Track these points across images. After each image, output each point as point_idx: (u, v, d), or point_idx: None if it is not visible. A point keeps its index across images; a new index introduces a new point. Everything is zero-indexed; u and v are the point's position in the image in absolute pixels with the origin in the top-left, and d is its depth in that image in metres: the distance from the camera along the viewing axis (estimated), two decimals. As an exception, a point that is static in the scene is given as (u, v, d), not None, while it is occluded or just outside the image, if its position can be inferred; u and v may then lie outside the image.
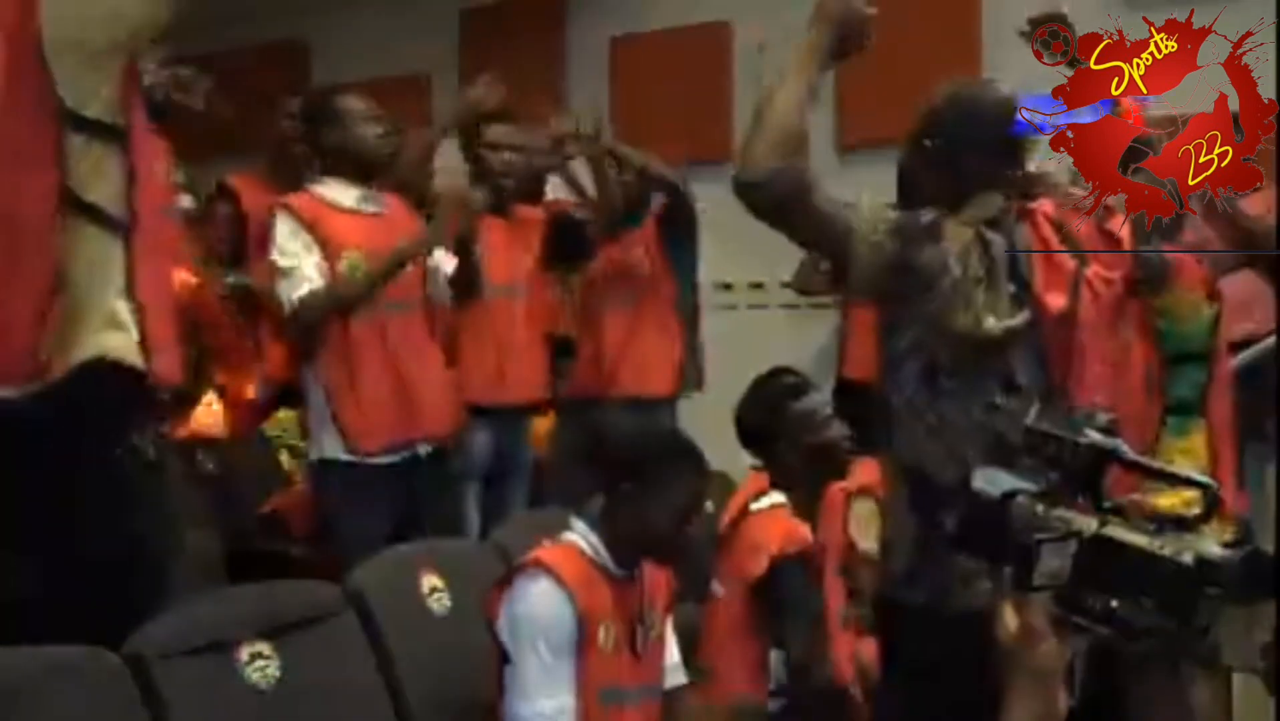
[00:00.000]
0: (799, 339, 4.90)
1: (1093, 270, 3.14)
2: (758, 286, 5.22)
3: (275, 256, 3.09)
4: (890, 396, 2.10)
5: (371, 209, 3.21)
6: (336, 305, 3.07)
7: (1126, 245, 3.14)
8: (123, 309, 1.98)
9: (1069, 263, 3.23)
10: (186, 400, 3.28)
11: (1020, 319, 2.11)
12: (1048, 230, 3.28)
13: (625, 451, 2.48)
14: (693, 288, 3.99)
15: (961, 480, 1.88)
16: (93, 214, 1.96)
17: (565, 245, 3.82)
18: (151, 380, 2.02)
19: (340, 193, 3.17)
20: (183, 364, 2.21)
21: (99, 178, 1.97)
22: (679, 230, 3.87)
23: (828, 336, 4.97)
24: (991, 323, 2.05)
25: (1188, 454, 2.99)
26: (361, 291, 3.08)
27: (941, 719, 1.97)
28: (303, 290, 3.05)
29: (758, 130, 1.98)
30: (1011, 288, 2.13)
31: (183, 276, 3.22)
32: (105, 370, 1.96)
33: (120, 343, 1.97)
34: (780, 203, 1.99)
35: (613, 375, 3.81)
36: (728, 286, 5.29)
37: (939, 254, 2.04)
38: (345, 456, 3.10)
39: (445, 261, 3.32)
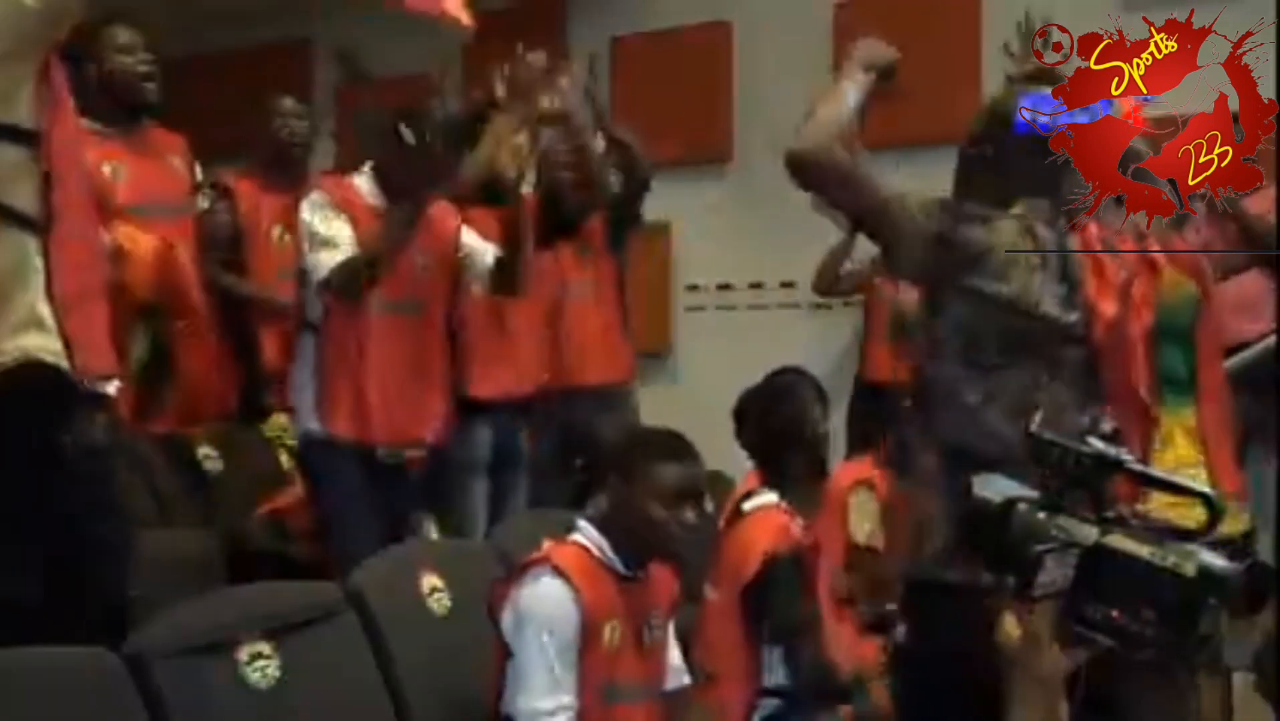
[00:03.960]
0: (798, 339, 4.91)
1: (1135, 290, 3.15)
2: (757, 286, 5.22)
3: (313, 225, 3.03)
4: (933, 374, 2.12)
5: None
6: (368, 269, 3.00)
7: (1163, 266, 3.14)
8: (45, 309, 2.02)
9: (1119, 274, 3.25)
10: (160, 392, 3.25)
11: (1072, 315, 2.13)
12: (1097, 243, 3.29)
13: (611, 448, 2.48)
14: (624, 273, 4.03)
15: (1001, 458, 1.89)
16: (8, 216, 2.00)
17: (558, 217, 3.80)
18: (77, 375, 2.06)
19: (370, 190, 3.13)
20: (115, 354, 2.26)
21: (13, 181, 2.01)
22: (624, 221, 3.89)
23: (826, 335, 4.98)
24: (1044, 308, 2.07)
25: (1188, 432, 2.99)
26: (384, 255, 3.01)
27: (974, 694, 1.96)
28: (338, 261, 3.00)
29: (812, 115, 2.08)
30: (1063, 289, 2.15)
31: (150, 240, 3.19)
32: (29, 369, 2.00)
33: (41, 342, 2.02)
34: (830, 171, 2.08)
35: (577, 365, 3.81)
36: (728, 286, 5.29)
37: (985, 234, 2.08)
38: (323, 434, 3.08)
39: (486, 250, 3.26)
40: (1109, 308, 3.02)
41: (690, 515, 2.35)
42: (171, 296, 3.21)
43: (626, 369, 3.98)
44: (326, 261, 3.01)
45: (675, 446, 2.42)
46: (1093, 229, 3.22)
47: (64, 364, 2.03)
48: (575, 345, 3.83)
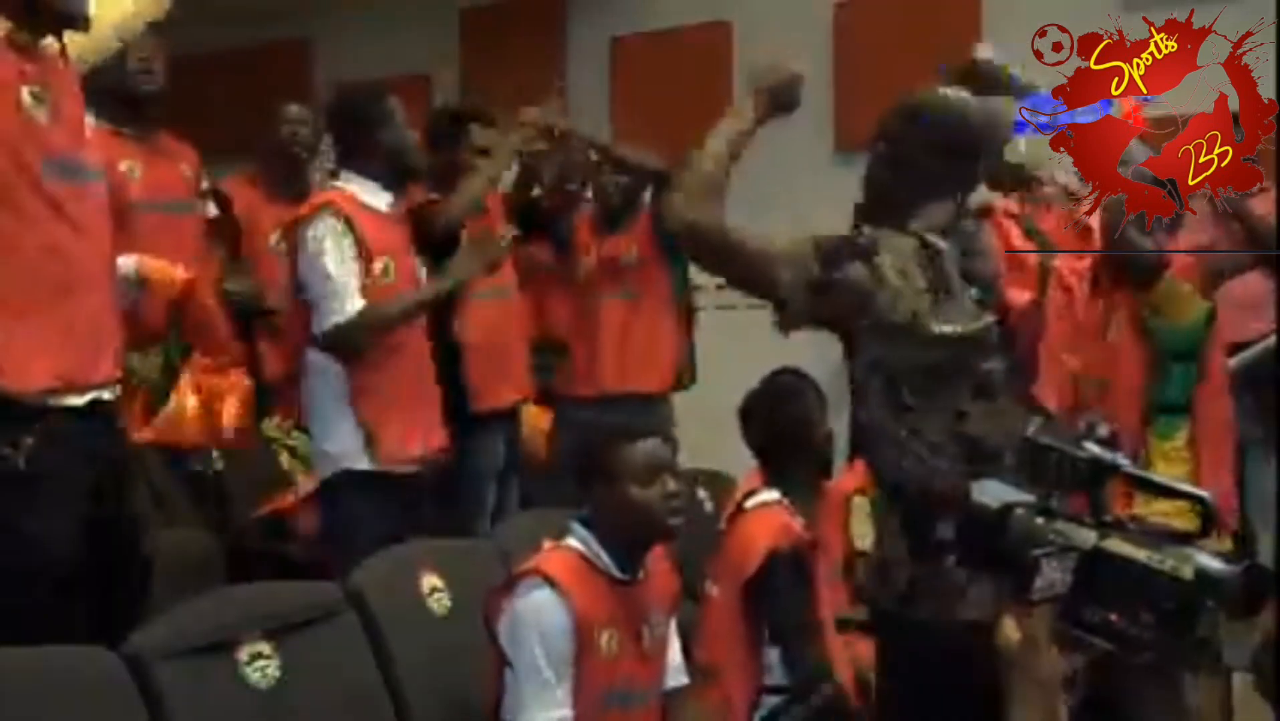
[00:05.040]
0: (798, 339, 4.89)
1: (1059, 262, 3.12)
2: (758, 286, 5.21)
3: (325, 266, 2.94)
4: (861, 417, 2.09)
5: (395, 213, 3.16)
6: (378, 332, 2.98)
7: (1098, 233, 3.12)
8: None
9: (1032, 258, 3.22)
10: (159, 401, 3.24)
11: (978, 324, 2.09)
12: (1010, 228, 3.27)
13: (584, 454, 2.48)
14: (685, 281, 3.99)
15: (943, 493, 1.89)
16: None
17: (527, 220, 3.80)
18: None
19: (373, 195, 3.09)
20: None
21: None
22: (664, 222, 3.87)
23: (827, 336, 4.96)
24: (944, 328, 2.03)
25: (1170, 457, 2.96)
26: (398, 323, 3.02)
27: (973, 696, 1.97)
28: (348, 312, 2.92)
29: (683, 180, 2.09)
30: (974, 292, 2.12)
31: (176, 273, 3.21)
32: None
33: None
34: (702, 244, 2.09)
35: (610, 371, 3.80)
36: (728, 286, 5.29)
37: (868, 270, 2.03)
38: (369, 467, 3.00)
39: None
40: (1020, 296, 3.00)
41: (670, 484, 2.35)
42: (195, 332, 3.21)
43: (661, 378, 3.87)
44: (331, 310, 2.93)
45: (635, 428, 2.44)
46: (1006, 208, 3.20)
47: None
48: (606, 352, 3.81)
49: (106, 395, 2.28)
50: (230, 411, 3.27)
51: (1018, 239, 3.21)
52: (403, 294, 3.04)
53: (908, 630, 2.08)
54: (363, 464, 2.98)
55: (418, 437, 3.06)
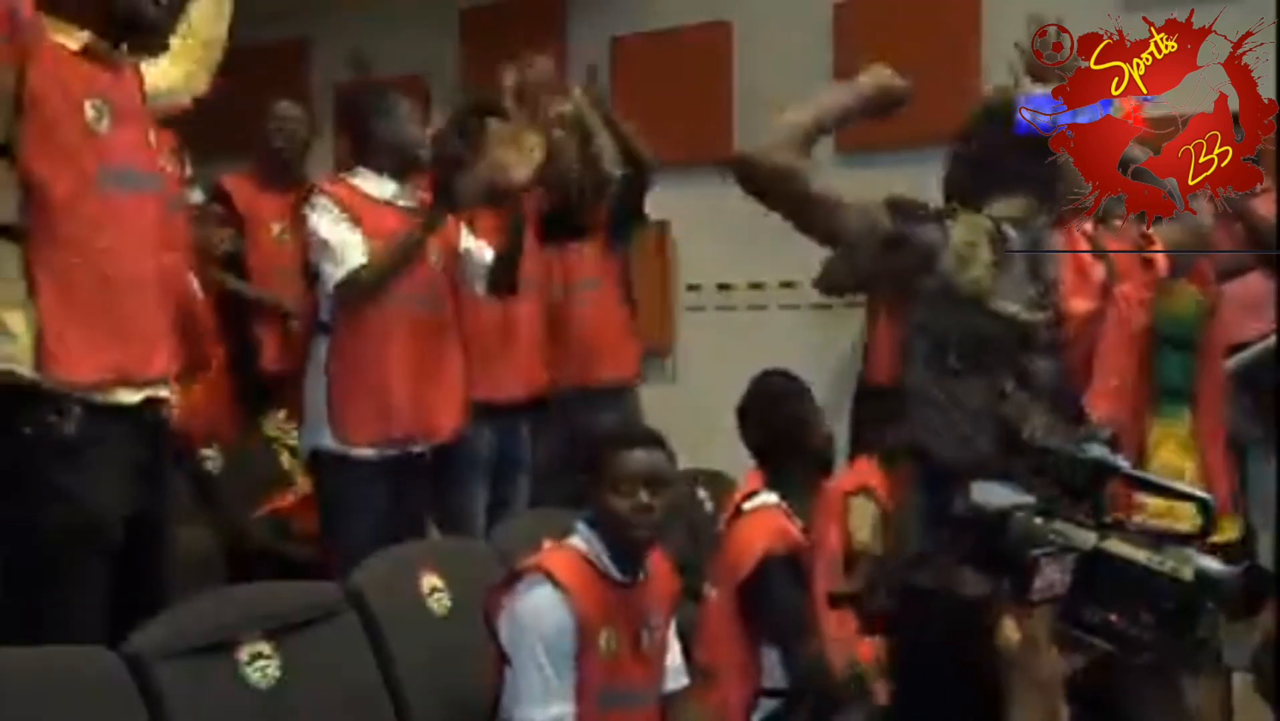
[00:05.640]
0: (798, 339, 4.90)
1: (1123, 290, 3.13)
2: (757, 286, 5.22)
3: (320, 234, 3.06)
4: (905, 380, 2.11)
5: (405, 203, 3.21)
6: (382, 277, 3.05)
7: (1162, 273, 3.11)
8: (14, 318, 2.07)
9: (1098, 273, 3.23)
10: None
11: (1033, 317, 2.11)
12: (1081, 242, 3.27)
13: (580, 456, 2.49)
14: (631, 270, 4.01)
15: (973, 463, 1.89)
16: None
17: (566, 217, 3.79)
18: (50, 380, 2.10)
19: (375, 185, 3.17)
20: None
21: None
22: (628, 215, 3.87)
23: (827, 335, 4.97)
24: (1002, 305, 2.05)
25: (1173, 438, 2.97)
26: (398, 263, 3.07)
27: (951, 700, 1.98)
28: (351, 265, 3.03)
29: (769, 130, 2.04)
30: (1032, 290, 2.14)
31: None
32: None
33: (5, 351, 2.06)
34: (777, 185, 2.03)
35: (584, 364, 3.80)
36: (728, 286, 5.29)
37: (937, 232, 2.06)
38: (338, 449, 3.08)
39: (483, 250, 3.29)
40: (1081, 305, 3.02)
41: (644, 498, 2.32)
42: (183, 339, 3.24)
43: (631, 366, 3.95)
44: (335, 272, 3.03)
45: (630, 435, 2.45)
46: (1078, 229, 3.21)
47: (26, 371, 2.08)
48: (581, 343, 3.82)
49: (163, 392, 2.33)
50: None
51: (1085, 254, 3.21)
52: (397, 237, 3.09)
53: (912, 596, 2.08)
54: (328, 443, 3.07)
55: (378, 425, 3.08)
